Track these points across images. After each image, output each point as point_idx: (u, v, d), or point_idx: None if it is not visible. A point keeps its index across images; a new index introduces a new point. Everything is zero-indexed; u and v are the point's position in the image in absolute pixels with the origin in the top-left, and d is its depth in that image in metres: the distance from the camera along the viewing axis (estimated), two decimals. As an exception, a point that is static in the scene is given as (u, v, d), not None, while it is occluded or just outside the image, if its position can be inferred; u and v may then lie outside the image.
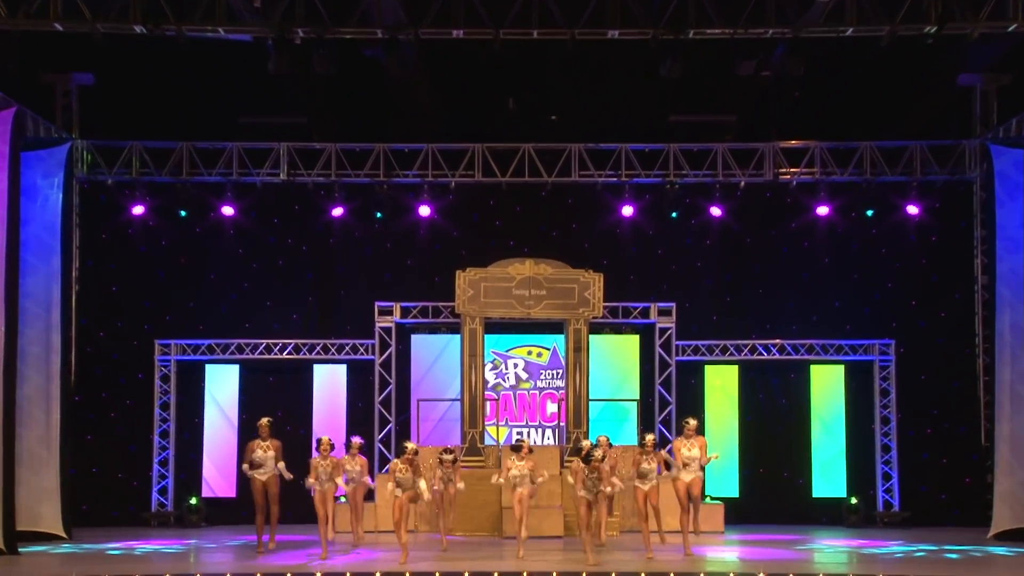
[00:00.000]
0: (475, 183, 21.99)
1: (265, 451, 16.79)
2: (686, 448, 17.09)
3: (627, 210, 22.10)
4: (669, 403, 21.81)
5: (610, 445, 17.55)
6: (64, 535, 18.92)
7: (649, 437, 17.05)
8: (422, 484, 15.86)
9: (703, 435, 17.64)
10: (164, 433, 21.85)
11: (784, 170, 21.89)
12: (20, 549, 17.09)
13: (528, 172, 21.87)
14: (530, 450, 17.49)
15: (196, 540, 18.55)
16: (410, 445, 16.05)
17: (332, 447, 16.50)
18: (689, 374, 22.24)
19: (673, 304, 21.92)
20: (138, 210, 21.93)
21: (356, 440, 17.27)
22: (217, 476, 21.97)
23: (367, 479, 17.20)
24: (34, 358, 18.86)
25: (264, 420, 16.99)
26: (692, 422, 17.30)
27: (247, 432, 21.73)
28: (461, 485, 17.30)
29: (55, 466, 19.11)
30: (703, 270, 22.55)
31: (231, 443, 21.87)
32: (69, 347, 20.15)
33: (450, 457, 17.31)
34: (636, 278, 22.38)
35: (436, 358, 22.35)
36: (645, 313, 21.99)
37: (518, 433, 22.15)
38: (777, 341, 22.03)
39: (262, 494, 16.76)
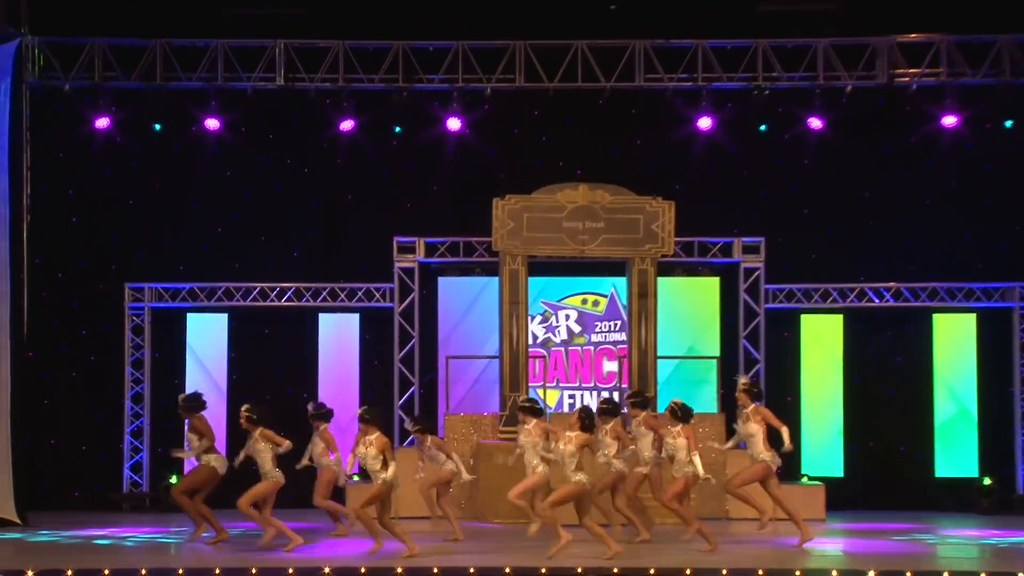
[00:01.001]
0: (516, 89, 21.86)
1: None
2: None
3: (704, 122, 21.97)
4: (757, 360, 21.78)
5: (681, 413, 17.15)
6: (17, 520, 19.08)
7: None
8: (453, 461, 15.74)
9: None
10: (137, 397, 21.89)
11: (901, 71, 21.67)
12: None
13: (581, 76, 21.72)
14: (534, 411, 16.74)
15: (177, 527, 18.57)
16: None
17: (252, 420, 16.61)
18: (781, 325, 22.21)
19: (762, 239, 21.87)
20: (102, 123, 21.87)
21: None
22: (203, 449, 21.93)
23: (328, 456, 17.21)
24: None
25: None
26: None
27: (238, 396, 21.75)
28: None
29: (5, 437, 19.23)
30: (799, 197, 22.47)
31: (219, 409, 21.80)
32: (20, 291, 20.14)
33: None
34: (715, 207, 22.30)
35: (469, 306, 22.36)
36: (727, 250, 21.91)
37: (570, 397, 22.06)
38: (891, 284, 21.94)
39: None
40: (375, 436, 15.54)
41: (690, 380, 22.12)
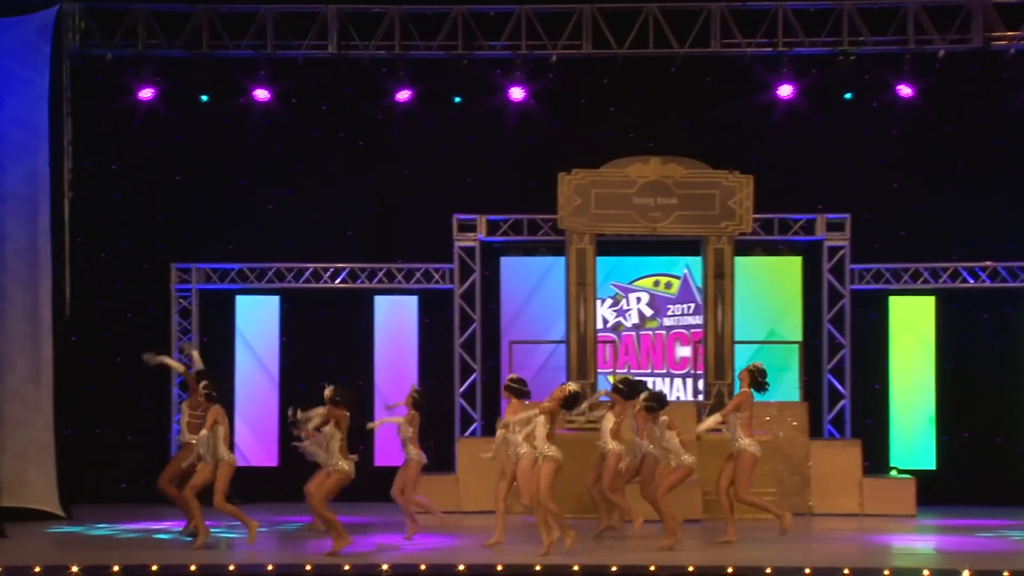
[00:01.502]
0: (583, 56, 21.89)
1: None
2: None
3: (785, 90, 21.96)
4: (842, 345, 21.76)
5: (754, 373, 17.16)
6: (61, 513, 19.29)
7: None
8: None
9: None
10: (185, 384, 22.04)
11: (998, 33, 21.54)
12: (7, 531, 17.39)
13: (653, 41, 21.72)
14: (516, 391, 16.66)
15: (228, 522, 18.71)
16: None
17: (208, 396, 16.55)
18: (868, 307, 22.16)
19: (847, 215, 21.82)
20: (146, 94, 22.05)
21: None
22: (252, 440, 22.22)
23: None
24: (17, 271, 19.21)
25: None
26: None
27: (290, 383, 22.00)
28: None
29: (47, 427, 19.40)
30: (887, 169, 22.35)
31: (270, 397, 22.09)
32: (62, 272, 20.40)
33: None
34: (797, 181, 22.26)
35: (533, 288, 22.43)
36: (809, 228, 21.87)
37: (641, 385, 22.12)
38: (987, 263, 21.88)
39: None
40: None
41: (770, 366, 21.77)
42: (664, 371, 22.38)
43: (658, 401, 16.74)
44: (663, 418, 16.66)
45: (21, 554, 15.82)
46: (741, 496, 16.56)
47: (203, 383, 16.76)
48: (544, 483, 15.39)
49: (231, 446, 16.41)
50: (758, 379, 16.93)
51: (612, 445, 16.58)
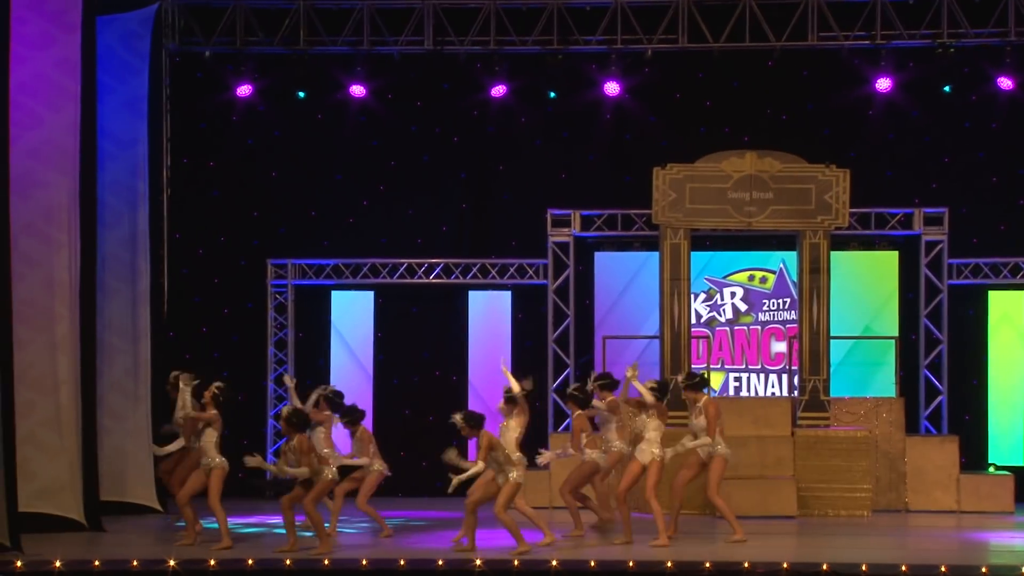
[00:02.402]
0: (678, 50, 21.88)
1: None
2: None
3: (883, 83, 21.82)
4: (939, 341, 21.57)
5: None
6: (158, 507, 19.48)
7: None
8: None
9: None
10: (280, 379, 22.22)
11: (1102, 25, 21.32)
12: (104, 525, 17.65)
13: (749, 35, 21.69)
14: (577, 399, 16.87)
15: (357, 520, 18.74)
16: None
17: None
18: (967, 302, 21.96)
19: (945, 210, 21.62)
20: (244, 90, 22.26)
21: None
22: (348, 435, 22.25)
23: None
24: (118, 264, 19.48)
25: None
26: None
27: (386, 378, 22.12)
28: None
29: (144, 419, 19.64)
30: (986, 163, 22.16)
31: (365, 391, 22.18)
32: (160, 268, 20.66)
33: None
34: (895, 175, 22.14)
35: (627, 284, 22.39)
36: (907, 222, 21.69)
37: (736, 380, 22.03)
38: (1089, 257, 21.62)
39: None
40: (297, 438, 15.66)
41: (866, 362, 21.93)
42: (759, 366, 22.26)
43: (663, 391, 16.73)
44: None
45: (119, 548, 16.02)
46: (711, 497, 16.55)
47: (216, 384, 16.84)
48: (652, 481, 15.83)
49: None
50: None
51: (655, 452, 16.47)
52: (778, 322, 22.24)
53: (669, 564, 14.34)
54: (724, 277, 22.42)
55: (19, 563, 14.32)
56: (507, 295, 22.46)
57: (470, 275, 22.23)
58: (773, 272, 22.34)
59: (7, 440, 15.13)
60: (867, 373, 21.66)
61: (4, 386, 15.14)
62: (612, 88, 22.01)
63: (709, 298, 22.34)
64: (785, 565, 14.37)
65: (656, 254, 21.13)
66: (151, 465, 19.26)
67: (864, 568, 14.26)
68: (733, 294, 22.40)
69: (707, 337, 21.92)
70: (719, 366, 22.11)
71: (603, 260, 22.41)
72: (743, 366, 22.27)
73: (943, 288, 21.61)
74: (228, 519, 16.22)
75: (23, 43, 16.86)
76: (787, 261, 22.01)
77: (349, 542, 16.67)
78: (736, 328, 22.38)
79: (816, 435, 19.78)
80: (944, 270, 21.61)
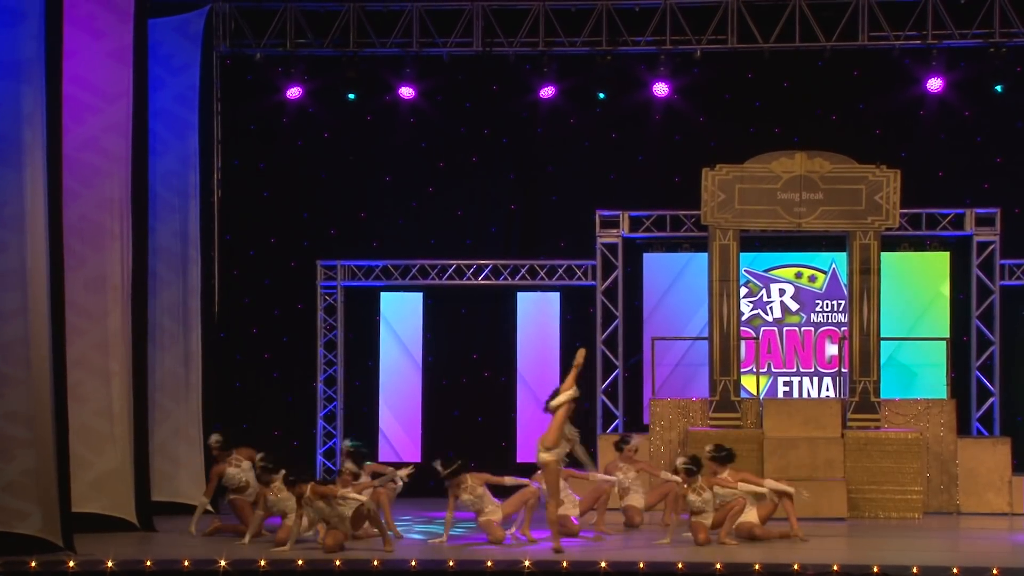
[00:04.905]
0: (728, 51, 21.84)
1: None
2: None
3: (934, 83, 21.70)
4: (991, 343, 21.44)
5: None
6: (209, 507, 19.48)
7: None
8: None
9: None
10: (330, 380, 22.33)
11: None
12: (156, 525, 17.79)
13: (799, 35, 21.61)
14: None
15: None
16: None
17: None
18: (1019, 303, 21.83)
19: (997, 210, 21.48)
20: (294, 92, 22.32)
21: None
22: (400, 434, 22.42)
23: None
24: (170, 256, 19.64)
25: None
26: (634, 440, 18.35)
27: (435, 378, 22.15)
28: None
29: (196, 419, 19.73)
30: (1039, 163, 22.01)
31: (414, 391, 22.24)
32: (211, 269, 20.79)
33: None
34: (946, 175, 22.02)
35: (671, 284, 22.34)
36: (958, 222, 21.58)
37: (785, 384, 21.91)
38: None
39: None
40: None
41: (916, 363, 21.81)
42: (812, 370, 22.11)
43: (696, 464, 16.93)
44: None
45: (171, 548, 16.11)
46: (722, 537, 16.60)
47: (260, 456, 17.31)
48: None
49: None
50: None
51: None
52: (831, 324, 22.12)
53: (719, 566, 14.31)
54: (765, 271, 22.22)
55: (71, 563, 14.41)
56: (556, 296, 22.45)
57: (519, 276, 22.23)
58: (824, 272, 22.21)
59: (60, 439, 15.20)
60: (916, 375, 21.54)
61: (57, 380, 15.19)
62: (661, 89, 21.97)
63: (751, 294, 22.12)
64: (835, 567, 14.34)
65: (700, 254, 21.09)
66: (202, 466, 19.36)
67: (915, 570, 14.20)
68: (782, 291, 22.24)
69: (754, 338, 21.71)
70: (766, 369, 21.98)
71: (652, 261, 22.34)
72: (795, 369, 22.14)
73: (995, 289, 21.48)
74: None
75: (79, 28, 16.85)
76: (838, 261, 21.90)
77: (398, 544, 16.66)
78: (786, 328, 22.24)
79: (867, 436, 19.69)
80: (996, 271, 21.48)
